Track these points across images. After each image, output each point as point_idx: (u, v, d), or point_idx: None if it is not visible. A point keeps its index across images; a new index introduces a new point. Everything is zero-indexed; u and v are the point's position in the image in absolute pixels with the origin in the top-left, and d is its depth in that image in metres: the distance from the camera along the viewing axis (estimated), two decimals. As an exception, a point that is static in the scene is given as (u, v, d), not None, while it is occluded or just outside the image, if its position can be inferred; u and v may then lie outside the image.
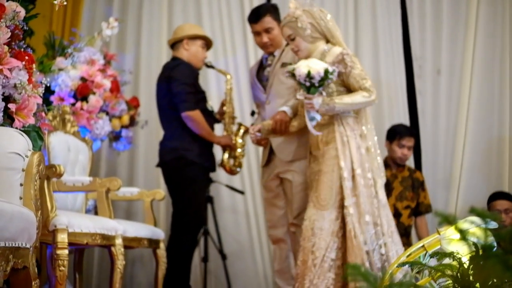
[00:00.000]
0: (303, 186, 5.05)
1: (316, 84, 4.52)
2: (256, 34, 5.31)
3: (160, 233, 5.19)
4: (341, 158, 4.64)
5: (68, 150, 4.84)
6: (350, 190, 4.61)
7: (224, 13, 6.81)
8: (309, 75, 4.47)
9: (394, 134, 5.87)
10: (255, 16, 5.30)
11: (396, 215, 5.71)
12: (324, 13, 4.83)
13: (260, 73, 5.38)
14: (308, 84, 4.52)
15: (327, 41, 4.82)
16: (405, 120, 6.32)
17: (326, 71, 4.48)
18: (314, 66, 4.50)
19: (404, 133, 5.86)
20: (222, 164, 5.70)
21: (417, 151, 6.33)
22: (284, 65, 4.97)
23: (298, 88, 4.76)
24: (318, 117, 4.62)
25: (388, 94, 6.46)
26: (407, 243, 5.71)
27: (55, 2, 3.46)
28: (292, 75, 4.57)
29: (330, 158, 4.68)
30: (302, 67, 4.50)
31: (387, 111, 6.43)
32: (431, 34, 6.45)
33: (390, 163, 5.89)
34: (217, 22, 6.82)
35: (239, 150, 5.68)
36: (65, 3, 3.51)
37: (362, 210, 4.57)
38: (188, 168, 5.48)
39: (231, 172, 5.76)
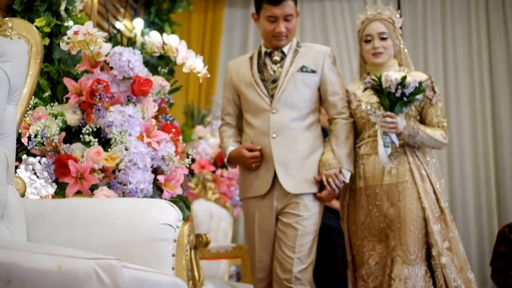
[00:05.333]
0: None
1: (405, 99, 3.76)
2: (271, 20, 4.07)
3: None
4: (422, 196, 3.88)
5: (210, 217, 4.91)
6: (439, 234, 3.85)
7: (348, 25, 7.02)
8: (402, 83, 3.72)
9: None
10: None
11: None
12: None
13: (262, 71, 4.19)
14: (398, 94, 3.74)
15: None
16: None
17: (421, 83, 3.78)
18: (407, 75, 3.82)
19: None
20: None
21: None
22: (304, 68, 4.11)
23: (367, 108, 3.99)
24: (397, 142, 3.87)
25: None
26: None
27: (199, 75, 3.56)
28: (378, 84, 3.79)
29: (410, 199, 3.88)
30: (394, 74, 3.80)
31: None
32: None
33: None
34: (342, 35, 7.07)
35: None
36: (208, 75, 3.61)
37: (460, 256, 3.87)
38: (326, 234, 4.97)
39: None
